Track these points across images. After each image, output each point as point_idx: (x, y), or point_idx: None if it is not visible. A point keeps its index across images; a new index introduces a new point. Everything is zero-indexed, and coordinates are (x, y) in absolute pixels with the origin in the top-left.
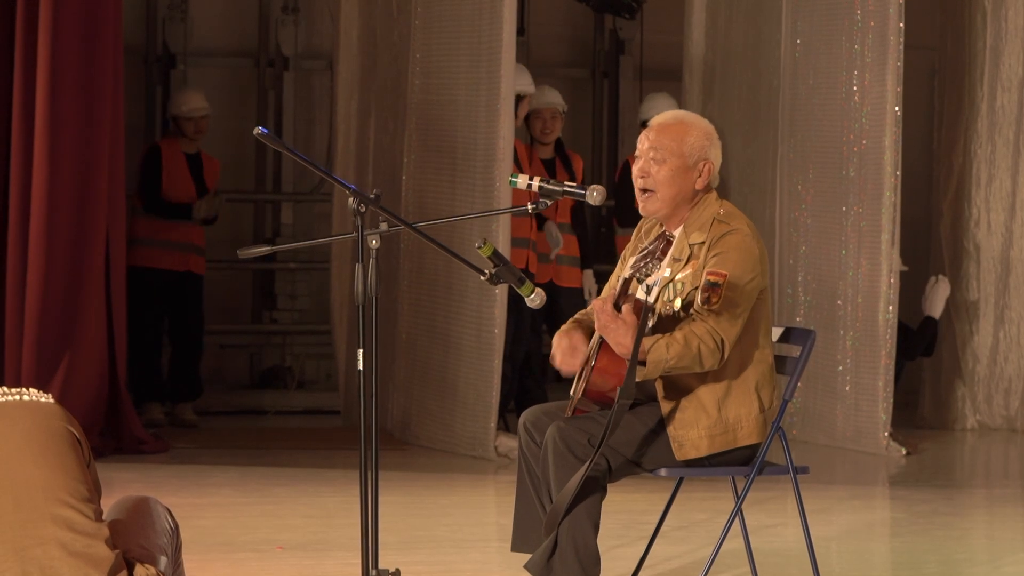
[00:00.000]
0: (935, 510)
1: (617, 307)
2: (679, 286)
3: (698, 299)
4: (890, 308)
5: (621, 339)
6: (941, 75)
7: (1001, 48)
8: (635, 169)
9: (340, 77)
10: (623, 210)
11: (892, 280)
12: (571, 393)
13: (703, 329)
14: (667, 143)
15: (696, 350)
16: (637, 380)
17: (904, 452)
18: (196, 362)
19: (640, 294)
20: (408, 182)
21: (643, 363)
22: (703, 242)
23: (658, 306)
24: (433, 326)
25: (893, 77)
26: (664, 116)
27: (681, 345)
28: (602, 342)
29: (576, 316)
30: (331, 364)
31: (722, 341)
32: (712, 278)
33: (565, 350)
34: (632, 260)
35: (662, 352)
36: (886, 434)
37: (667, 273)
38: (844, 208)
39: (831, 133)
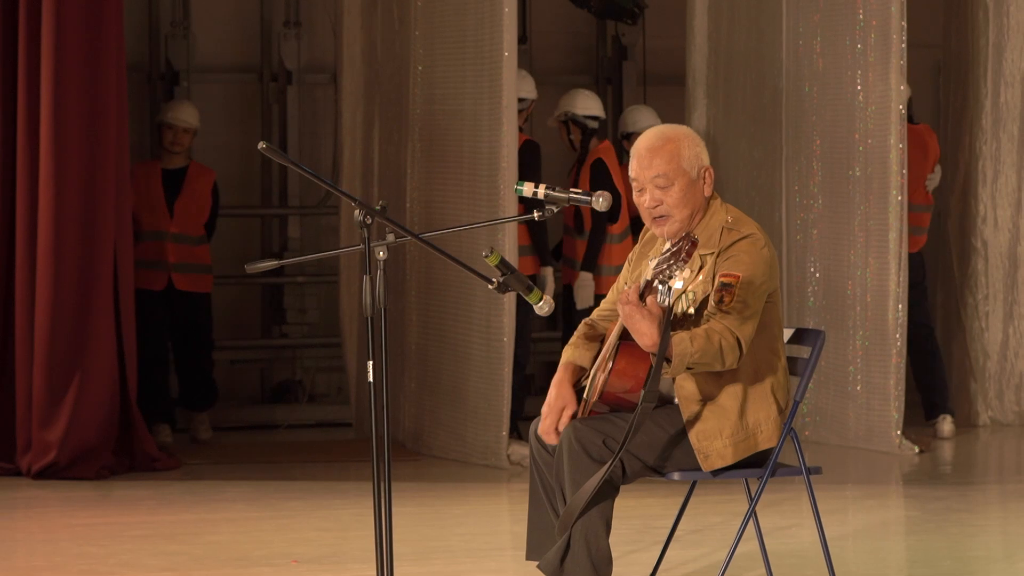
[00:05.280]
0: (949, 507)
1: (641, 298)
2: (691, 296)
3: (711, 300)
4: (899, 307)
5: (646, 329)
6: (945, 72)
7: (1004, 44)
8: (643, 199)
9: (344, 90)
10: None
11: (901, 278)
12: (584, 396)
13: (722, 326)
14: (666, 166)
15: (718, 345)
16: (662, 377)
17: (917, 450)
18: (205, 371)
19: (649, 273)
20: (413, 193)
21: (668, 360)
22: (713, 252)
23: (684, 275)
24: (442, 336)
25: (896, 75)
26: (649, 139)
27: (703, 339)
28: (619, 344)
29: (586, 323)
30: (342, 377)
31: (739, 340)
32: (725, 279)
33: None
34: (655, 261)
35: (686, 346)
36: (898, 433)
37: (679, 284)
38: (851, 208)
39: (836, 133)
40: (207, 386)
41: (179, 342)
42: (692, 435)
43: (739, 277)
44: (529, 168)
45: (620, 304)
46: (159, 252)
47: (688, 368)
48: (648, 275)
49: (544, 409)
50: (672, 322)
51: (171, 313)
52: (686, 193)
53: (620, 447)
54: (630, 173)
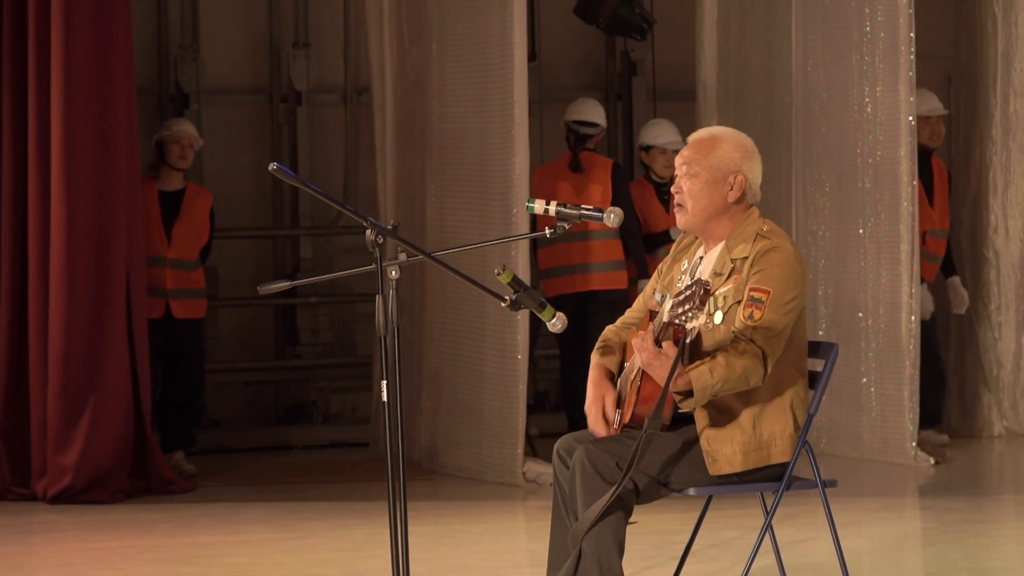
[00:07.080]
0: (966, 518)
1: (657, 343)
2: (720, 300)
3: (740, 314)
4: (912, 318)
5: (666, 375)
6: (956, 83)
7: (1012, 54)
8: (676, 185)
9: (376, 110)
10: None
11: (913, 290)
12: (611, 415)
13: (744, 346)
14: (697, 157)
15: (740, 370)
16: (686, 411)
17: (932, 462)
18: (191, 406)
19: (665, 316)
20: (431, 212)
21: (690, 393)
22: (746, 256)
23: (699, 322)
24: (457, 354)
25: (905, 87)
26: (699, 132)
27: (724, 368)
28: (642, 370)
29: (604, 338)
30: (356, 397)
31: (764, 356)
32: (755, 294)
33: (599, 414)
34: (670, 304)
35: (706, 378)
36: (913, 444)
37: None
38: (861, 220)
39: (845, 146)
40: (190, 422)
41: (170, 371)
42: (702, 438)
43: (769, 292)
44: (624, 195)
45: (637, 350)
46: (156, 279)
47: (713, 396)
48: (665, 318)
49: (586, 407)
50: (697, 333)
51: (165, 340)
52: (704, 188)
53: (625, 472)
54: None
